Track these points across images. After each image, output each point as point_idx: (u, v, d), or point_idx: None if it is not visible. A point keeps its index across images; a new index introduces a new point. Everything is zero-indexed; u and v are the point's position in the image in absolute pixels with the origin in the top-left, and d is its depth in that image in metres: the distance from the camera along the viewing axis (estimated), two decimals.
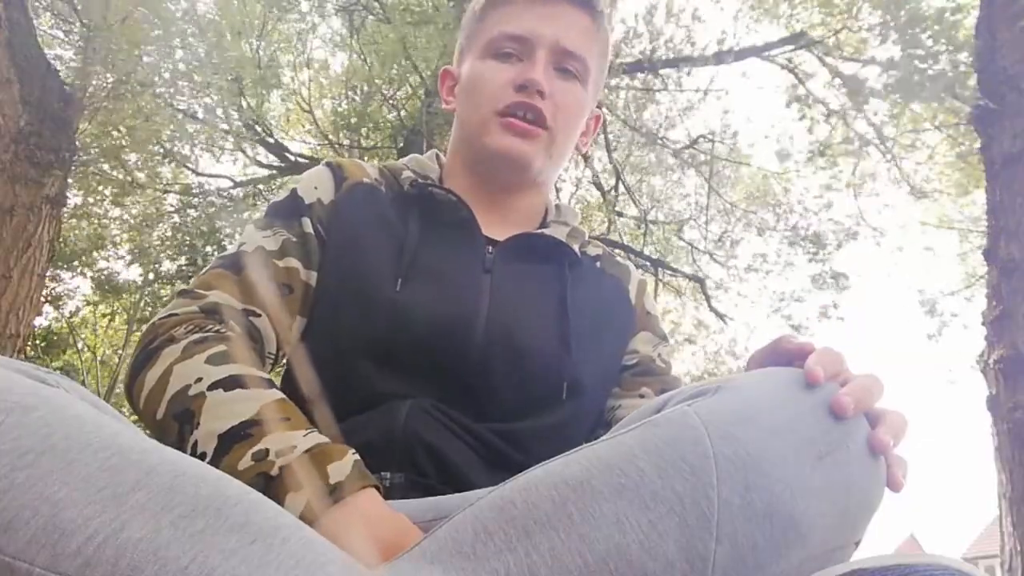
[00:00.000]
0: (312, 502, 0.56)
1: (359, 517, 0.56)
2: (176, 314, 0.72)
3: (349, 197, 0.85)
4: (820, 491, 0.47)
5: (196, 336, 0.68)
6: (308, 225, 0.82)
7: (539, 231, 0.89)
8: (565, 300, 0.84)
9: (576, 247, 0.91)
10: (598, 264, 0.94)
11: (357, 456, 0.61)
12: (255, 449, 0.59)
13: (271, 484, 0.57)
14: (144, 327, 0.74)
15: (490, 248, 0.85)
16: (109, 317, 10.49)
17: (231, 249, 0.81)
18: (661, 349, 0.92)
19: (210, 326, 0.70)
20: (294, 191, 0.85)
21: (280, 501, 0.56)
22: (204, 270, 0.79)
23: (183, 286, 0.76)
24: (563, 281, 0.86)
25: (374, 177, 0.89)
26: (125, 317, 10.22)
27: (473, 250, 0.83)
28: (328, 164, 0.89)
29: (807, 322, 8.02)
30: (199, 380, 0.64)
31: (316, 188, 0.85)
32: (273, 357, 0.78)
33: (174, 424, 0.63)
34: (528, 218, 0.92)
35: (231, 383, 0.64)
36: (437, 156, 0.96)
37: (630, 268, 0.98)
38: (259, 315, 0.76)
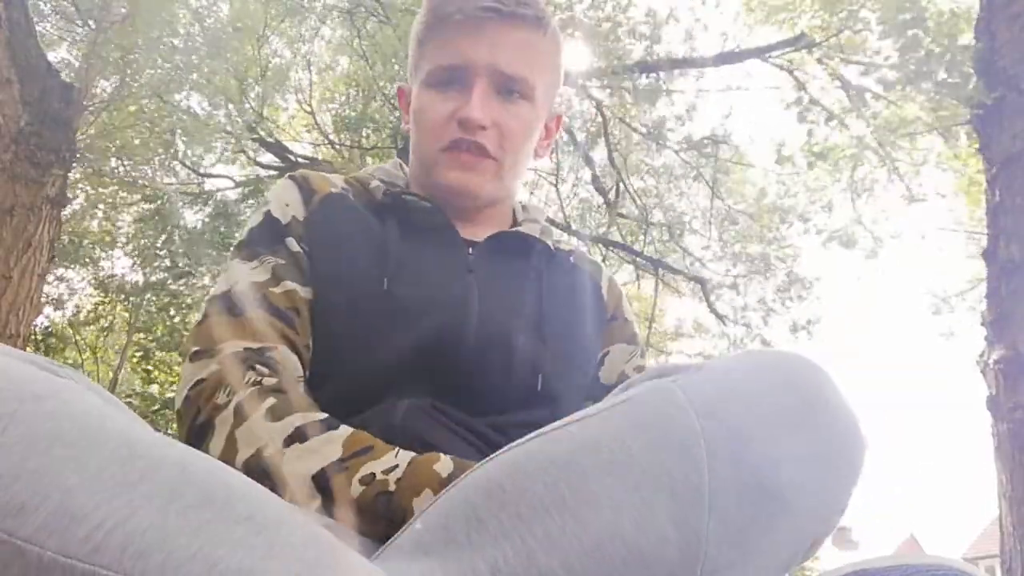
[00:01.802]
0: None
1: None
2: (204, 379, 0.70)
3: (322, 210, 0.85)
4: (804, 461, 0.49)
5: (240, 396, 0.68)
6: (294, 244, 0.81)
7: (514, 229, 0.91)
8: (540, 296, 0.86)
9: (550, 243, 0.93)
10: (572, 259, 0.96)
11: (447, 455, 0.64)
12: (359, 476, 0.62)
13: (392, 498, 0.60)
14: (178, 404, 0.73)
15: (470, 249, 0.86)
16: (110, 318, 10.49)
17: (219, 288, 0.79)
18: (635, 361, 0.94)
19: (245, 379, 0.70)
20: (268, 213, 0.84)
21: (408, 511, 0.59)
22: (201, 320, 0.77)
23: (194, 347, 0.74)
24: (540, 276, 0.88)
25: (341, 187, 0.89)
26: (126, 316, 10.22)
27: (454, 251, 0.85)
28: (292, 178, 0.88)
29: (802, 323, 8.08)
30: (269, 441, 0.65)
31: (288, 205, 0.84)
32: (302, 381, 0.77)
33: None
34: (499, 222, 0.93)
35: (301, 434, 0.65)
36: (401, 165, 0.96)
37: (601, 266, 1.00)
38: (276, 348, 0.74)
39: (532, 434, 0.52)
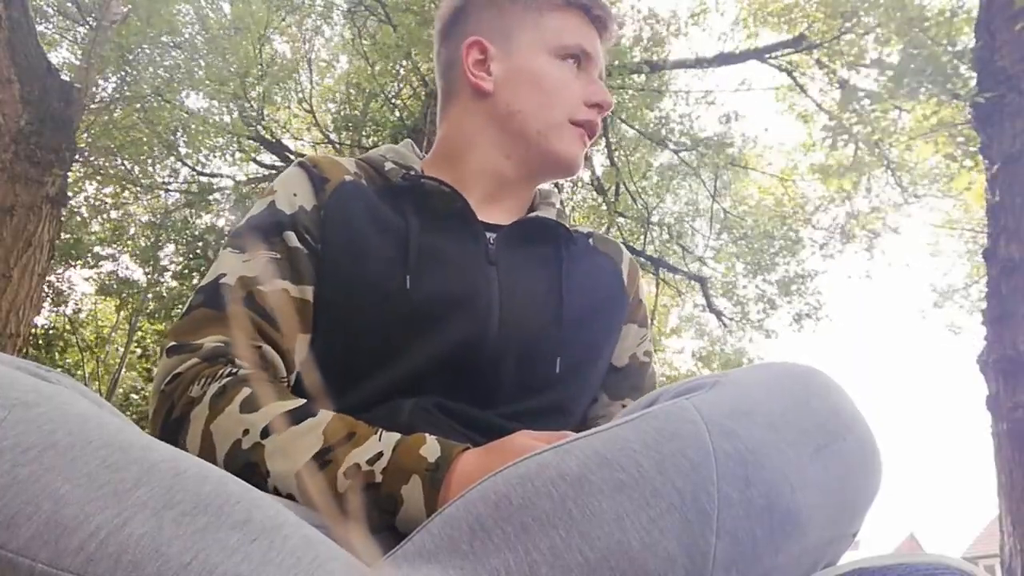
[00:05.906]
0: (426, 484, 0.59)
1: (477, 468, 0.58)
2: (180, 373, 0.68)
3: (337, 200, 0.81)
4: (818, 484, 0.47)
5: (214, 388, 0.66)
6: (293, 239, 0.78)
7: (533, 215, 0.90)
8: (560, 280, 0.85)
9: (569, 227, 0.92)
10: (591, 242, 0.95)
11: (433, 435, 0.63)
12: (344, 469, 0.60)
13: (380, 489, 0.59)
14: (152, 400, 0.70)
15: (490, 236, 0.84)
16: (113, 317, 10.49)
17: (206, 279, 0.76)
18: (645, 345, 0.95)
19: (221, 372, 0.67)
20: (272, 204, 0.80)
21: (396, 500, 0.59)
22: (185, 312, 0.74)
23: (172, 342, 0.71)
24: (560, 263, 0.87)
25: (353, 171, 0.86)
26: (127, 315, 10.22)
27: (474, 241, 0.83)
28: (302, 164, 0.84)
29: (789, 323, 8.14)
30: (247, 432, 0.63)
31: (296, 195, 0.80)
32: (286, 382, 0.75)
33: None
34: (520, 205, 0.92)
35: (280, 423, 0.63)
36: (412, 147, 0.94)
37: (621, 247, 0.99)
38: (260, 346, 0.72)
39: (546, 447, 0.51)
